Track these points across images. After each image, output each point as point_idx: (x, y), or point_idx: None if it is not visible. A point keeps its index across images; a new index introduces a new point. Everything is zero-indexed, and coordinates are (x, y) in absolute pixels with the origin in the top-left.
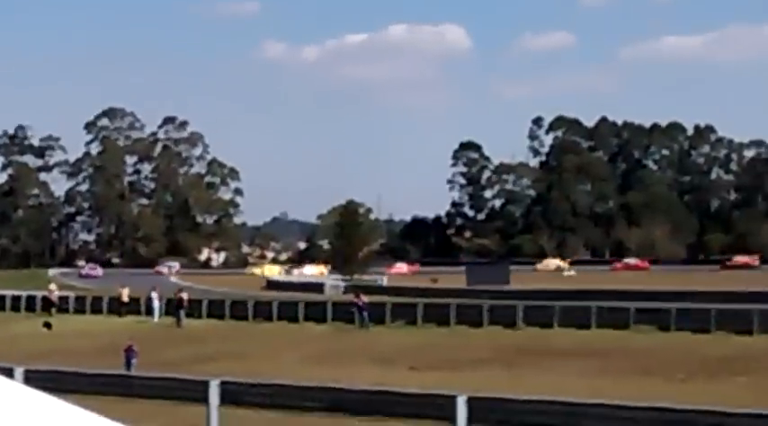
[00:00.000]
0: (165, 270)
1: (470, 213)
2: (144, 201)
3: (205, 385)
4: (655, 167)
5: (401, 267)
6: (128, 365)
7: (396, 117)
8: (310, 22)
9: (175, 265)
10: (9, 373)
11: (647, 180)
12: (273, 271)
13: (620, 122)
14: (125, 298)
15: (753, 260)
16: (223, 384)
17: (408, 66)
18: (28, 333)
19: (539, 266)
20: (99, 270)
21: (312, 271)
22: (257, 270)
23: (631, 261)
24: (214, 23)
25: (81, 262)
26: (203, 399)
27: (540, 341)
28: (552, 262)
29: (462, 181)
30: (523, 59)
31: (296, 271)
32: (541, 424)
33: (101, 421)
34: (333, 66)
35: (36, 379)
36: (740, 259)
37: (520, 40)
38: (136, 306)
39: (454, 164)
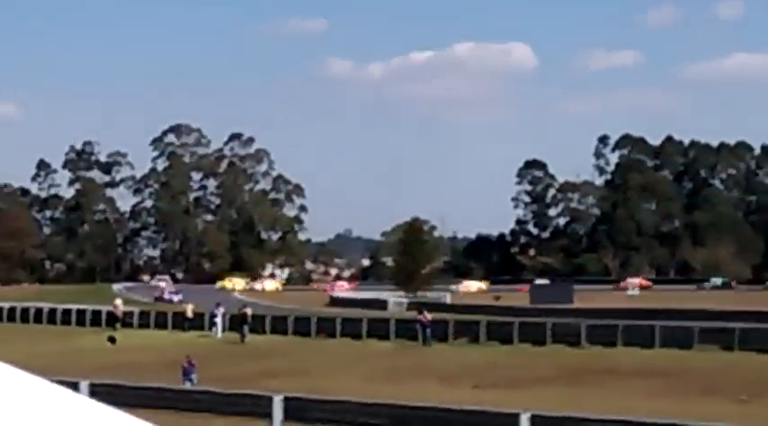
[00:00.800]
0: (162, 284)
1: (535, 231)
2: (209, 217)
3: (269, 400)
4: (721, 187)
5: (469, 285)
6: (188, 380)
7: (461, 134)
8: (376, 39)
9: (165, 278)
10: (74, 386)
11: (713, 199)
12: (240, 284)
13: (686, 141)
14: (189, 314)
15: None
16: (287, 399)
17: (473, 83)
18: (93, 347)
19: (461, 287)
20: (177, 294)
21: (272, 286)
22: (227, 283)
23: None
24: (281, 41)
25: (157, 281)
26: (267, 414)
27: (604, 360)
28: (473, 284)
29: (527, 199)
30: (589, 77)
31: (258, 286)
32: None
33: None
34: (398, 83)
35: (101, 393)
36: None
37: (585, 58)
38: (200, 322)
39: (519, 182)
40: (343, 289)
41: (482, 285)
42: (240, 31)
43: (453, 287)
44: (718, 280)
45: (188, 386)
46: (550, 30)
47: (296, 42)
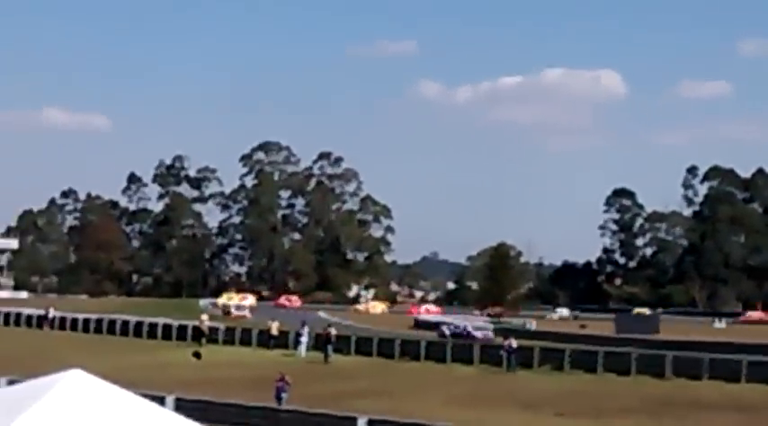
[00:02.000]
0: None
1: (621, 260)
2: (296, 236)
3: (353, 421)
4: None
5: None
6: (278, 398)
7: (549, 161)
8: (466, 62)
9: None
10: (161, 401)
11: None
12: (233, 299)
13: None
14: (274, 332)
15: None
16: (371, 422)
17: (562, 110)
18: (178, 362)
19: (359, 307)
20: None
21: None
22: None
23: None
24: (372, 62)
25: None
26: None
27: (688, 392)
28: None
29: (614, 227)
30: (679, 107)
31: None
32: None
33: None
34: (487, 107)
35: (186, 408)
36: None
37: (676, 88)
38: (284, 340)
39: (606, 210)
40: (429, 313)
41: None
42: (332, 51)
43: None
44: None
45: (281, 404)
46: (641, 58)
47: (388, 63)
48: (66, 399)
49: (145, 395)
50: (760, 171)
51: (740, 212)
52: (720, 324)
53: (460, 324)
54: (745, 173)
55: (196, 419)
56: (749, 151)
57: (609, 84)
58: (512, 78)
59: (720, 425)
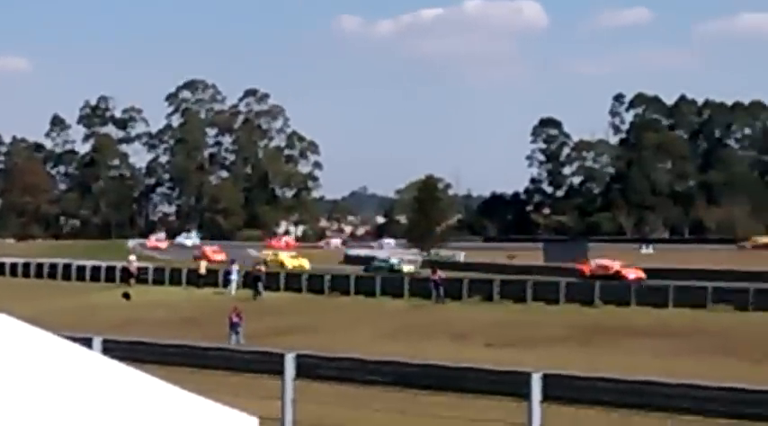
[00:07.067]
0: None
1: (549, 190)
2: (224, 174)
3: (280, 357)
4: (736, 146)
5: None
6: (236, 332)
7: (474, 92)
8: None
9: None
10: (88, 343)
11: (728, 159)
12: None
13: (700, 100)
14: (202, 270)
15: None
16: (299, 357)
17: (484, 41)
18: (107, 304)
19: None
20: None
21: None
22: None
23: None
24: None
25: (190, 233)
26: (279, 371)
27: (617, 319)
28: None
29: (541, 157)
30: (601, 36)
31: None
32: (615, 403)
33: (174, 390)
34: (409, 40)
35: (114, 349)
36: None
37: (597, 16)
38: (214, 278)
39: (533, 141)
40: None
41: None
42: None
43: None
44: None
45: (234, 339)
46: None
47: None
48: None
49: (71, 338)
50: (683, 97)
51: (666, 139)
52: (648, 250)
53: (389, 258)
54: (670, 99)
55: (123, 360)
56: (673, 78)
57: (530, 13)
58: (432, 10)
59: (649, 349)
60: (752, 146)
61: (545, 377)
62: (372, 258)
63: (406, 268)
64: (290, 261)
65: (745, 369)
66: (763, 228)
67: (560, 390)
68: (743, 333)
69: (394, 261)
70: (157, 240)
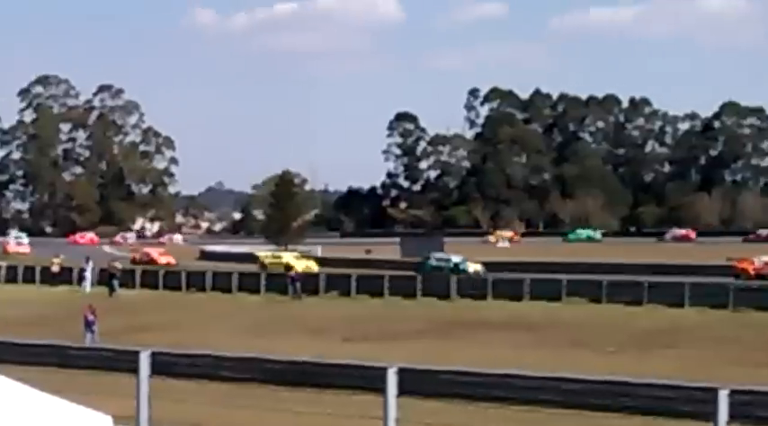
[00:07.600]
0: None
1: (405, 184)
2: (78, 170)
3: (135, 355)
4: (590, 139)
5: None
6: (91, 331)
7: (330, 87)
8: None
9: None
10: None
11: (582, 152)
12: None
13: (555, 94)
14: (55, 269)
15: (690, 233)
16: (154, 354)
17: (340, 35)
18: None
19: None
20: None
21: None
22: None
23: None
24: None
25: (12, 232)
26: (133, 369)
27: (474, 312)
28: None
29: (398, 151)
30: (457, 30)
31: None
32: (471, 396)
33: (26, 390)
34: (263, 34)
35: None
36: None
37: (452, 11)
38: (68, 276)
39: (390, 135)
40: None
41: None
42: None
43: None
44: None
45: (89, 337)
46: None
47: None
48: None
49: None
50: (538, 91)
51: (520, 133)
52: (504, 244)
53: (451, 257)
54: (525, 93)
55: None
56: (527, 72)
57: (385, 8)
58: (287, 5)
59: (506, 342)
60: (605, 139)
61: (401, 372)
62: (427, 257)
63: (472, 267)
64: (298, 263)
65: (599, 361)
66: (616, 221)
67: (416, 384)
68: (597, 326)
69: (456, 259)
70: (17, 244)
